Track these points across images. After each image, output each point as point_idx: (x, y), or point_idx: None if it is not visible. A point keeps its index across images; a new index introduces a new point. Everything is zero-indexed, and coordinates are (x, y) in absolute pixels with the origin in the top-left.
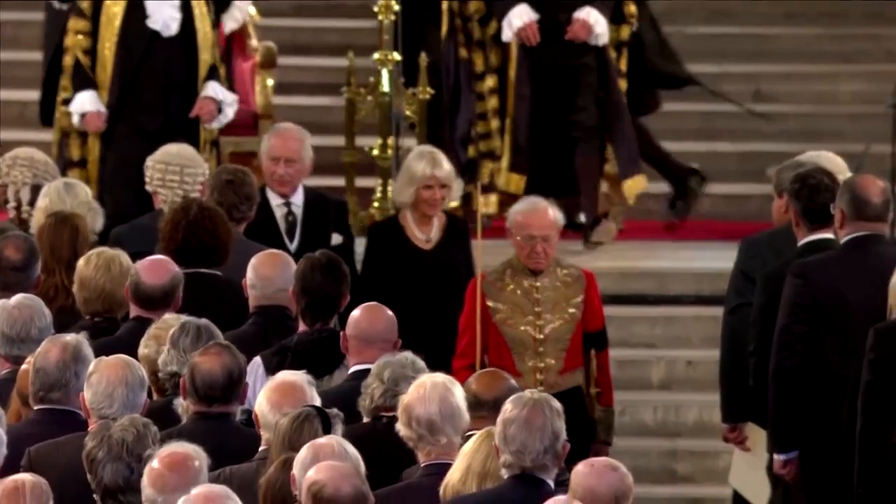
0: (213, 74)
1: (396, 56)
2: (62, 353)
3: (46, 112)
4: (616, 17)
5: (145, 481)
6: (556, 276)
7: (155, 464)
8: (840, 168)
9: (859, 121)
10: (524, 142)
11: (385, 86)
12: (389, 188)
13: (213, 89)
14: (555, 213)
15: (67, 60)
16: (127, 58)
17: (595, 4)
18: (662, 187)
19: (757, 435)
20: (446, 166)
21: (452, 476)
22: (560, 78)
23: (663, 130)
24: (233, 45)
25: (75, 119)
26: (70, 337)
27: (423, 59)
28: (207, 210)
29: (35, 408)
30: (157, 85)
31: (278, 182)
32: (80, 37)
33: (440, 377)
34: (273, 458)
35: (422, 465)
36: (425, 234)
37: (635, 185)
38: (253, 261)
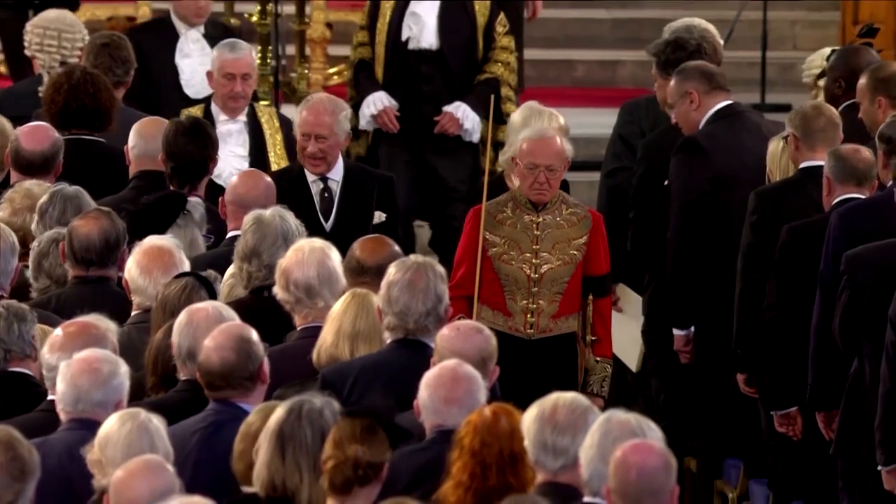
0: None
1: None
2: None
3: None
4: (496, 118)
5: (47, 348)
6: (559, 213)
7: (59, 330)
8: (712, 33)
9: None
10: None
11: None
12: (269, 54)
13: None
14: (563, 144)
15: None
16: None
17: (468, 100)
18: (539, 53)
19: (629, 297)
20: (554, 123)
21: (325, 339)
22: (428, 174)
23: None
24: None
25: None
26: None
27: None
28: (90, 75)
29: None
30: None
31: (309, 160)
32: None
33: (318, 242)
34: (156, 325)
35: (298, 328)
36: None
37: None
38: (135, 126)
